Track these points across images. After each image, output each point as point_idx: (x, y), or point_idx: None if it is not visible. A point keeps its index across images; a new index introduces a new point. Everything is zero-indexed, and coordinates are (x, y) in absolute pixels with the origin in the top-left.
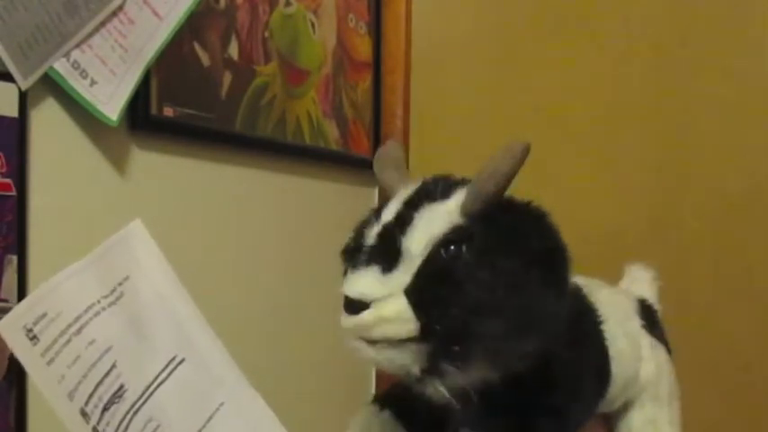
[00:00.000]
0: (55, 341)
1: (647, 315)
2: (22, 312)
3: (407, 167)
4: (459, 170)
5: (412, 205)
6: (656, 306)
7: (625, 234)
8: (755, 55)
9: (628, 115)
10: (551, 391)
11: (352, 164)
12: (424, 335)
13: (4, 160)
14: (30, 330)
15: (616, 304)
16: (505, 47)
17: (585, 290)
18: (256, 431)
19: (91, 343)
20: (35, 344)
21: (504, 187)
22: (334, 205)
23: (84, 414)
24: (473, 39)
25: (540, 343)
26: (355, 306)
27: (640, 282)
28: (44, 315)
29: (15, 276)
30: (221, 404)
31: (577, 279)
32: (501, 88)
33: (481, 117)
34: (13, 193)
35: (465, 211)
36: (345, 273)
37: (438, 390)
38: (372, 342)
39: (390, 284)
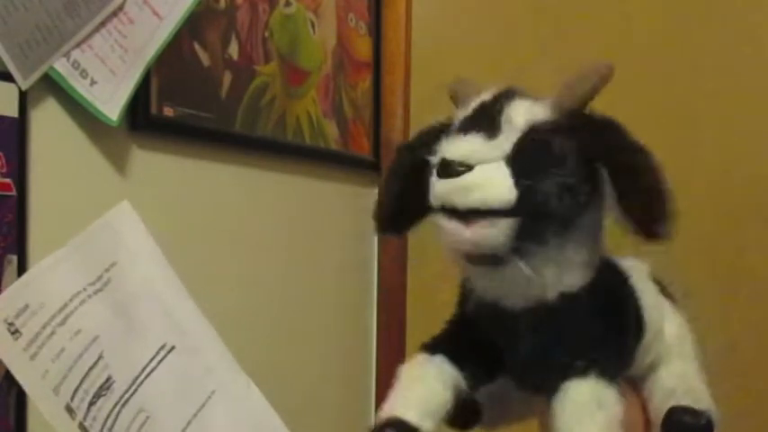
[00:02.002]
0: (38, 334)
1: (660, 285)
2: (1, 306)
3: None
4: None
5: (506, 94)
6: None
7: (625, 234)
8: (757, 53)
9: (628, 115)
10: (605, 325)
11: (352, 164)
12: (520, 206)
13: (4, 160)
14: (11, 324)
15: (636, 269)
16: (505, 47)
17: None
18: (249, 419)
19: (76, 333)
20: (17, 338)
21: (591, 98)
22: (334, 205)
23: (69, 410)
24: (473, 39)
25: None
26: (455, 169)
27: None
28: (26, 307)
29: (15, 276)
30: (213, 392)
31: None
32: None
33: None
34: (13, 193)
35: (558, 108)
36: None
37: (523, 268)
38: (464, 217)
39: (494, 150)
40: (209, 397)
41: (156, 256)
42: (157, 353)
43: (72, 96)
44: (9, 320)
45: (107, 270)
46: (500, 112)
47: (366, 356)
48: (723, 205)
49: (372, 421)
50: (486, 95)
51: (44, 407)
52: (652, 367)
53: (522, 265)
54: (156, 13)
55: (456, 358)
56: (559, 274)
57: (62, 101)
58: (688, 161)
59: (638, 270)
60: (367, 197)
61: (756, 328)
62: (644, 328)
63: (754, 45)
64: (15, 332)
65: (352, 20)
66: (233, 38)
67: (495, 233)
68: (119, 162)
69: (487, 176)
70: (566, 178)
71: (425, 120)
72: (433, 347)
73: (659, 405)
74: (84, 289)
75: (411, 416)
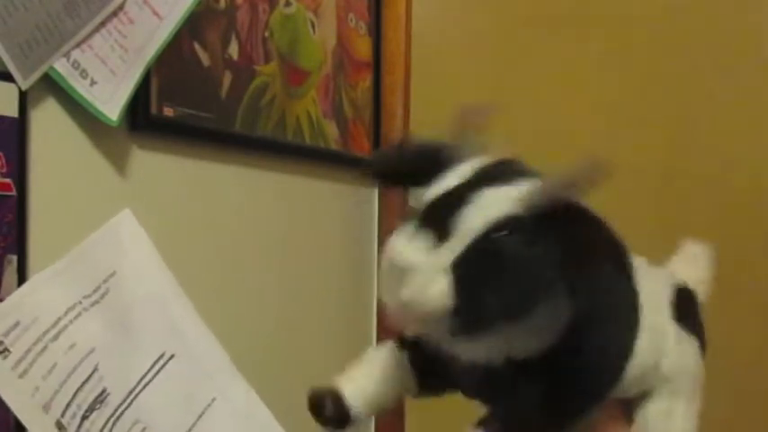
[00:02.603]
0: (28, 351)
1: (682, 304)
2: None
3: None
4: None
5: (478, 181)
6: (699, 293)
7: (625, 235)
8: (758, 54)
9: (629, 115)
10: (565, 375)
11: (352, 164)
12: (457, 312)
13: (4, 160)
14: (0, 343)
15: (650, 293)
16: (506, 47)
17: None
18: (250, 426)
19: (71, 348)
20: (5, 357)
21: (574, 193)
22: (334, 205)
23: (60, 427)
24: (473, 39)
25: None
26: (399, 272)
27: (692, 262)
28: (16, 324)
29: (15, 276)
30: (213, 399)
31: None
32: (501, 88)
33: None
34: (13, 193)
35: (528, 203)
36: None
37: (465, 350)
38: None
39: (437, 259)
40: (210, 404)
41: (157, 264)
42: (156, 361)
43: (72, 96)
44: None
45: (105, 281)
46: (459, 208)
47: None
48: (723, 205)
49: (372, 425)
50: (456, 177)
51: (32, 426)
52: (643, 397)
53: (462, 344)
54: (156, 13)
55: (416, 362)
56: (507, 346)
57: (62, 101)
58: (688, 161)
59: (652, 299)
60: (367, 197)
61: (757, 329)
62: (622, 374)
63: (758, 50)
64: (4, 351)
65: (352, 20)
66: (233, 38)
67: (431, 324)
68: (119, 162)
69: (427, 292)
70: (514, 288)
71: (425, 120)
72: (403, 342)
73: None
74: (80, 302)
75: (351, 397)
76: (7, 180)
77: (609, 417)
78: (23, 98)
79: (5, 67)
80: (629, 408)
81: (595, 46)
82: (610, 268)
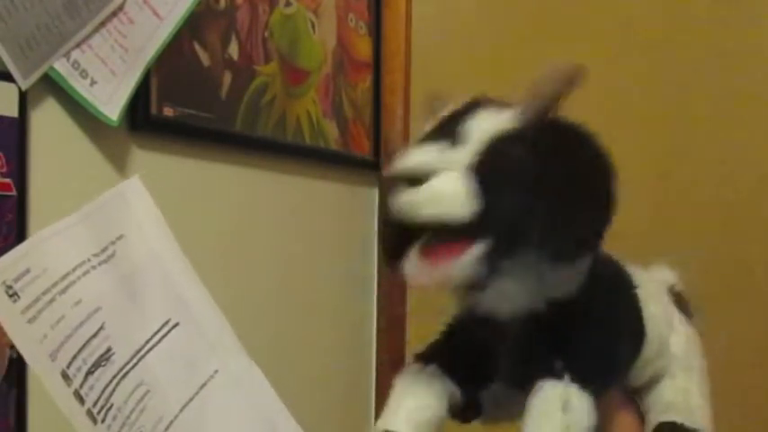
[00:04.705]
0: (37, 299)
1: (677, 298)
2: (2, 268)
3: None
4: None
5: (471, 106)
6: (686, 295)
7: (625, 235)
8: (757, 54)
9: (629, 115)
10: (595, 332)
11: (352, 164)
12: (482, 225)
13: (4, 160)
14: (10, 287)
15: (646, 279)
16: (506, 47)
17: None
18: (252, 400)
19: (77, 303)
20: (15, 301)
21: (558, 104)
22: (334, 205)
23: (65, 376)
24: (473, 39)
25: (592, 246)
26: (410, 179)
27: (667, 277)
28: (27, 271)
29: None
30: (216, 371)
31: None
32: (501, 88)
33: None
34: (13, 193)
35: (523, 117)
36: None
37: (502, 288)
38: (429, 254)
39: (451, 159)
40: (212, 376)
41: (164, 232)
42: (161, 328)
43: (72, 96)
44: (8, 283)
45: (113, 242)
46: (462, 123)
47: (366, 356)
48: (723, 205)
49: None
50: (451, 108)
51: (40, 371)
52: (655, 379)
53: (500, 285)
54: (156, 13)
55: (449, 366)
56: (543, 284)
57: (62, 101)
58: (688, 161)
59: (652, 281)
60: (367, 197)
61: (757, 329)
62: (644, 340)
63: (757, 50)
64: (14, 295)
65: (352, 20)
66: (233, 38)
67: (462, 265)
68: (119, 162)
69: (441, 188)
70: (530, 192)
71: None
72: (426, 357)
73: (655, 418)
74: (89, 259)
75: (403, 429)
76: (7, 180)
77: (620, 402)
78: (23, 98)
79: (5, 67)
80: (636, 403)
81: (595, 46)
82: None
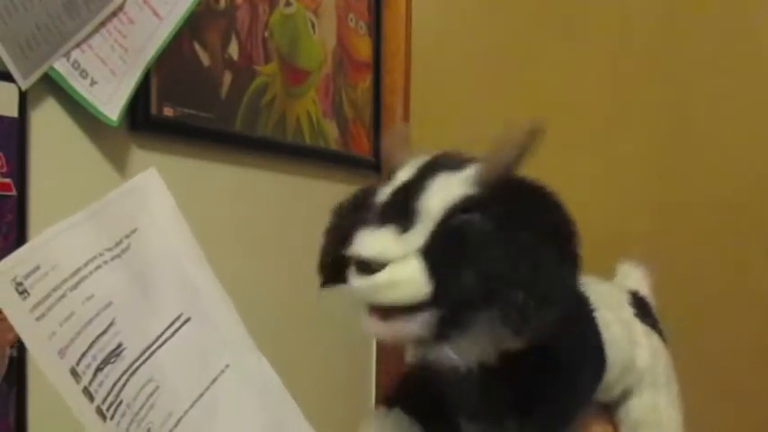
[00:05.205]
0: (47, 296)
1: (640, 305)
2: (11, 265)
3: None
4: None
5: (427, 171)
6: (649, 299)
7: (625, 235)
8: (757, 54)
9: (629, 114)
10: (549, 377)
11: (352, 164)
12: (437, 300)
13: (4, 160)
14: (20, 284)
15: (607, 294)
16: (506, 46)
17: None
18: (262, 396)
19: (88, 299)
20: (24, 298)
21: (518, 163)
22: (334, 205)
23: (74, 373)
24: (473, 38)
25: (556, 316)
26: (368, 266)
27: (631, 278)
28: (37, 268)
29: None
30: (227, 366)
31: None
32: (501, 88)
33: (481, 117)
34: (13, 193)
35: (480, 181)
36: (347, 231)
37: (446, 355)
38: (381, 313)
39: (406, 245)
40: (223, 371)
41: (180, 226)
42: (172, 323)
43: (72, 96)
44: (18, 280)
45: (127, 236)
46: (415, 197)
47: (366, 356)
48: (723, 206)
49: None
50: (405, 173)
51: (47, 369)
52: (624, 396)
53: (446, 348)
54: (156, 13)
55: (413, 409)
56: (494, 341)
57: (62, 101)
58: (688, 162)
59: (612, 298)
60: None
61: (757, 329)
62: (604, 367)
63: (756, 49)
64: (23, 292)
65: (352, 20)
66: (233, 38)
67: (414, 327)
68: (119, 162)
69: (400, 275)
70: (484, 264)
71: (426, 120)
72: (390, 401)
73: None
74: (101, 254)
75: None
76: (7, 180)
77: (592, 416)
78: (23, 98)
79: (5, 67)
80: (608, 412)
81: (595, 46)
82: (556, 253)
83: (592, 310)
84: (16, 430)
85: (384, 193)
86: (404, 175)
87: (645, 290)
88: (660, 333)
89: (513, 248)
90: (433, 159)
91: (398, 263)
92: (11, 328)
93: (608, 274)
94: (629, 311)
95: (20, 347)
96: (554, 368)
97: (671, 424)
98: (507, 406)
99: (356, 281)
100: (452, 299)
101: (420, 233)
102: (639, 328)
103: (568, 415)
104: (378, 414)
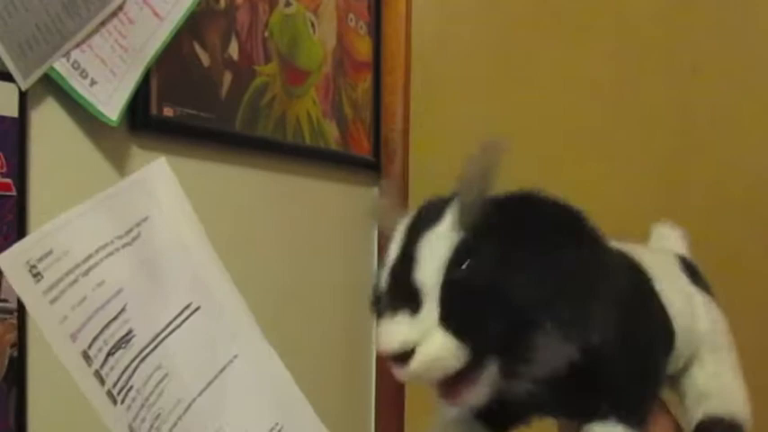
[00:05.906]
0: (60, 280)
1: (691, 271)
2: (26, 248)
3: (407, 181)
4: (459, 170)
5: (413, 236)
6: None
7: (625, 235)
8: (757, 53)
9: (629, 114)
10: (623, 364)
11: (352, 164)
12: (477, 354)
13: (4, 160)
14: (33, 267)
15: (662, 264)
16: (506, 47)
17: (631, 253)
18: (270, 386)
19: (99, 285)
20: (38, 281)
21: (488, 189)
22: (334, 205)
23: (86, 357)
24: (473, 39)
25: (606, 308)
26: (401, 357)
27: (670, 239)
28: (50, 252)
29: None
30: (235, 356)
31: (616, 244)
32: (502, 88)
33: (482, 117)
34: (13, 193)
35: (462, 224)
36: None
37: (522, 387)
38: (445, 386)
39: (423, 324)
40: (231, 361)
41: (189, 217)
42: (182, 312)
43: (72, 96)
44: (32, 263)
45: (138, 224)
46: (411, 273)
47: (366, 356)
48: (723, 206)
49: (372, 425)
50: (395, 245)
51: (60, 351)
52: (686, 366)
53: (522, 382)
54: (156, 14)
55: (477, 409)
56: (558, 357)
57: (62, 101)
58: (688, 162)
59: (664, 264)
60: (367, 197)
61: (757, 329)
62: (674, 340)
63: (757, 49)
64: (37, 275)
65: (352, 20)
66: (233, 38)
67: (482, 387)
68: (119, 162)
69: (431, 353)
70: (503, 305)
71: (425, 120)
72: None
73: (692, 408)
74: (112, 241)
75: None
76: (7, 180)
77: (655, 410)
78: (23, 98)
79: (5, 67)
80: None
81: (596, 46)
82: (583, 244)
83: (653, 287)
84: (16, 430)
85: (383, 278)
86: (394, 248)
87: (687, 252)
88: (713, 297)
89: (524, 268)
90: (416, 217)
91: (424, 343)
92: (11, 329)
93: None
94: (684, 280)
95: (20, 348)
96: (626, 354)
97: (736, 393)
98: (593, 399)
99: (399, 373)
100: (493, 345)
101: (430, 308)
102: (699, 298)
103: (654, 394)
104: (441, 419)
